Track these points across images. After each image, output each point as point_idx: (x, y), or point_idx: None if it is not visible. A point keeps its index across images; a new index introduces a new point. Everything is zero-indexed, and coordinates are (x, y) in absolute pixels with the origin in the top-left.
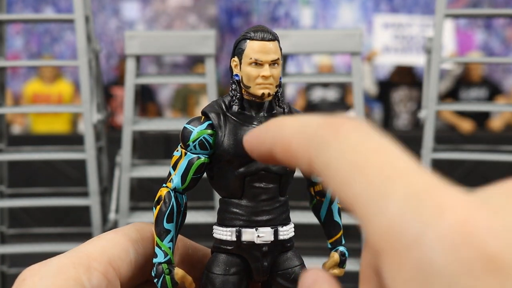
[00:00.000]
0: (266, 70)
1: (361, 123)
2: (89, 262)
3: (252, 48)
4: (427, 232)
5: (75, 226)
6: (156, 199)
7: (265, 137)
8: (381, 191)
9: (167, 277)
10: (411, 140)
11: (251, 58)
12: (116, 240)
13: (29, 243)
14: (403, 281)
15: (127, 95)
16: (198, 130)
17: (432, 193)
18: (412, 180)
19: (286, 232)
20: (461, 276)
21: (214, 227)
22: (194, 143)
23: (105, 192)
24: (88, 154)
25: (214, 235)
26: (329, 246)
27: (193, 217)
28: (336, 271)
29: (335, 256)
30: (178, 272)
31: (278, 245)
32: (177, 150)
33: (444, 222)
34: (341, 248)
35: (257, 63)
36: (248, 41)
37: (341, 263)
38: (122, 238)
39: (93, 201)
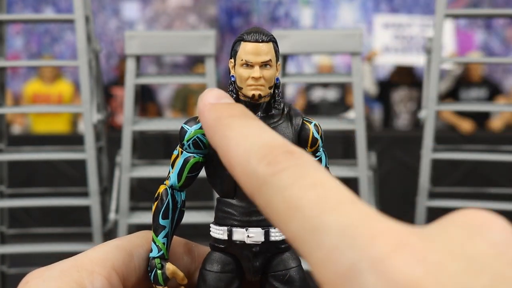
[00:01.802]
0: (256, 72)
1: (302, 156)
2: (93, 267)
3: (244, 49)
4: (359, 259)
5: (75, 226)
6: (155, 195)
7: (212, 135)
8: (316, 226)
9: (159, 272)
10: (411, 140)
11: (242, 60)
12: (120, 246)
13: (29, 243)
14: None
15: (127, 95)
16: (192, 130)
17: (364, 223)
18: (346, 212)
19: (279, 233)
20: None
21: (211, 225)
22: (189, 142)
23: (105, 192)
24: (88, 154)
25: (210, 233)
26: None
27: (193, 217)
28: None
29: None
30: (170, 267)
31: (271, 246)
32: (176, 149)
33: (374, 249)
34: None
35: (248, 65)
36: (241, 42)
37: None
38: (127, 244)
39: (93, 201)
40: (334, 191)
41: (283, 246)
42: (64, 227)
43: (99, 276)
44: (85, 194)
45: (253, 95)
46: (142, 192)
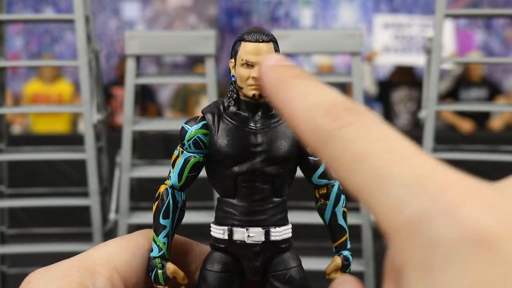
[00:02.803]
0: (256, 71)
1: (365, 112)
2: (94, 267)
3: (244, 49)
4: (430, 207)
5: (75, 226)
6: (155, 195)
7: (275, 95)
8: (383, 176)
9: (159, 272)
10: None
11: (242, 60)
12: (122, 246)
13: (29, 243)
14: (409, 255)
15: (127, 95)
16: (193, 130)
17: (433, 174)
18: (414, 163)
19: (279, 233)
20: (459, 246)
21: (211, 225)
22: (189, 142)
23: (105, 192)
24: (88, 154)
25: (211, 233)
26: (334, 249)
27: (193, 217)
28: (338, 275)
29: (337, 260)
30: (170, 267)
31: (271, 246)
32: (177, 149)
33: (445, 198)
34: (345, 253)
35: (248, 64)
36: (242, 42)
37: (344, 268)
38: (129, 244)
39: (93, 201)
40: (400, 144)
41: (284, 246)
42: (64, 227)
43: (101, 276)
44: (85, 194)
45: (254, 95)
46: (142, 192)
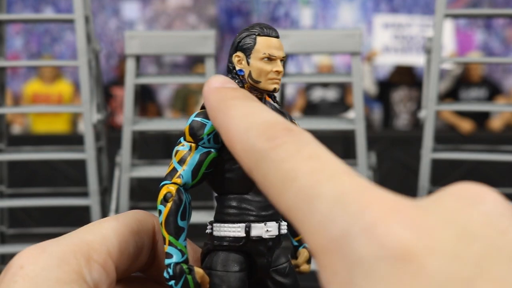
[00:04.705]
0: (279, 66)
1: (300, 132)
2: (89, 252)
3: (265, 43)
4: (351, 225)
5: (75, 226)
6: (162, 196)
7: (215, 115)
8: (311, 195)
9: (189, 277)
10: (411, 140)
11: (264, 53)
12: (117, 230)
13: (29, 243)
14: (333, 273)
15: (127, 95)
16: (211, 123)
17: (358, 193)
18: (340, 182)
19: (284, 226)
20: (378, 263)
21: (215, 224)
22: (209, 136)
23: (105, 192)
24: (88, 154)
25: (216, 232)
26: (295, 243)
27: (193, 217)
28: (306, 267)
29: (305, 253)
30: (199, 271)
31: (279, 240)
32: (183, 145)
33: (367, 216)
34: (307, 245)
35: (270, 59)
36: (257, 37)
37: (309, 260)
38: (124, 229)
39: (93, 201)
40: (330, 164)
41: (282, 240)
42: (64, 227)
43: (95, 264)
44: (85, 194)
45: (275, 88)
46: (142, 192)
